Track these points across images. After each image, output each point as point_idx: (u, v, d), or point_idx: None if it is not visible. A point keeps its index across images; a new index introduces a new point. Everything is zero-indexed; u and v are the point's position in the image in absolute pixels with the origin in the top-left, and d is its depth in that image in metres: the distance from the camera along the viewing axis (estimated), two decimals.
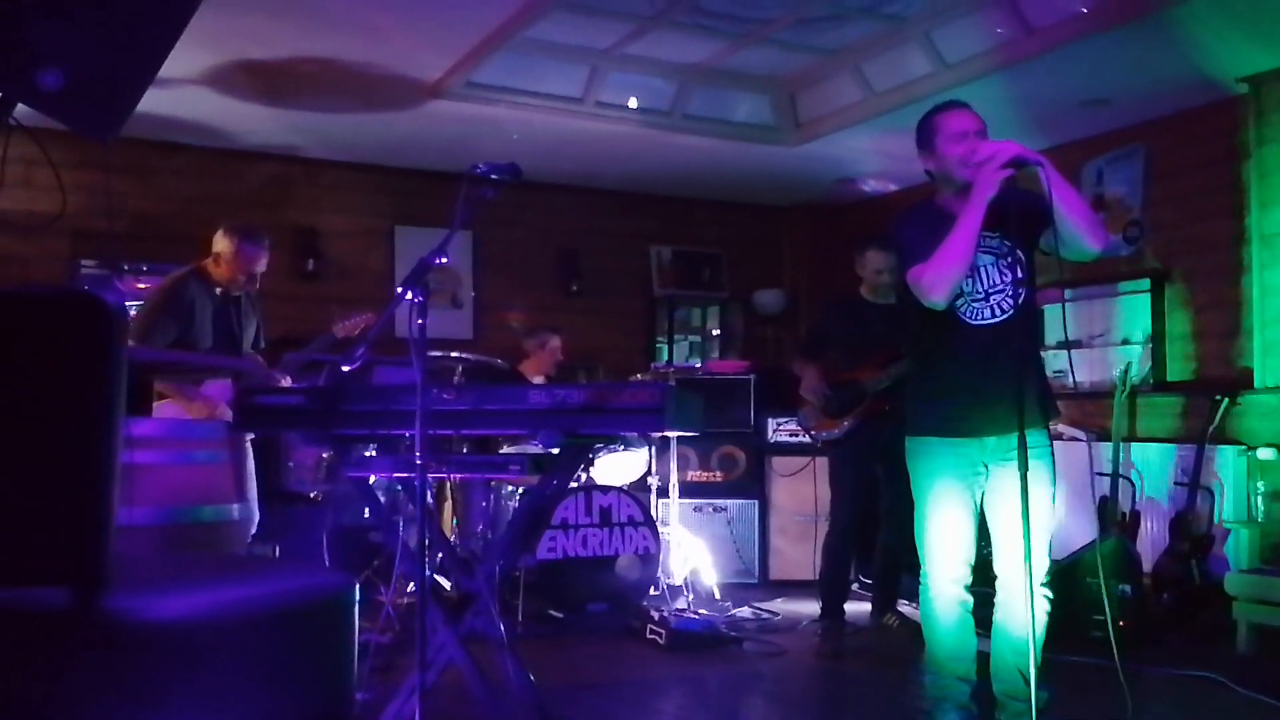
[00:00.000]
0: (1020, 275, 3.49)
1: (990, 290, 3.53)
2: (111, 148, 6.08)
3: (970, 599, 3.61)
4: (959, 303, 3.52)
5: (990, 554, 3.63)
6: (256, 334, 5.58)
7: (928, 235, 3.47)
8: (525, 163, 3.68)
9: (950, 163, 3.55)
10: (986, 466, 3.55)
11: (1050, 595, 3.55)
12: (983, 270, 3.53)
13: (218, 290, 5.34)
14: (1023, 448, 3.19)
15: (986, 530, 3.62)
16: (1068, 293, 6.81)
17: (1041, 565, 3.51)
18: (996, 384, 3.41)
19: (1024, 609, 3.40)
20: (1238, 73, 5.77)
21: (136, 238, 7.10)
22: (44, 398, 1.65)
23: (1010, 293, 3.51)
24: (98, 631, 1.66)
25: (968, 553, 3.58)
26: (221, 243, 5.30)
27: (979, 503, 3.59)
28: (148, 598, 1.76)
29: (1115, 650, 3.61)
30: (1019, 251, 3.50)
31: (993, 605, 3.62)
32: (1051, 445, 3.61)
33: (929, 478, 3.60)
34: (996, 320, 3.52)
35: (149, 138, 7.02)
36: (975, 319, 3.53)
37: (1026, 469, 3.19)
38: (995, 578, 3.59)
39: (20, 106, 2.26)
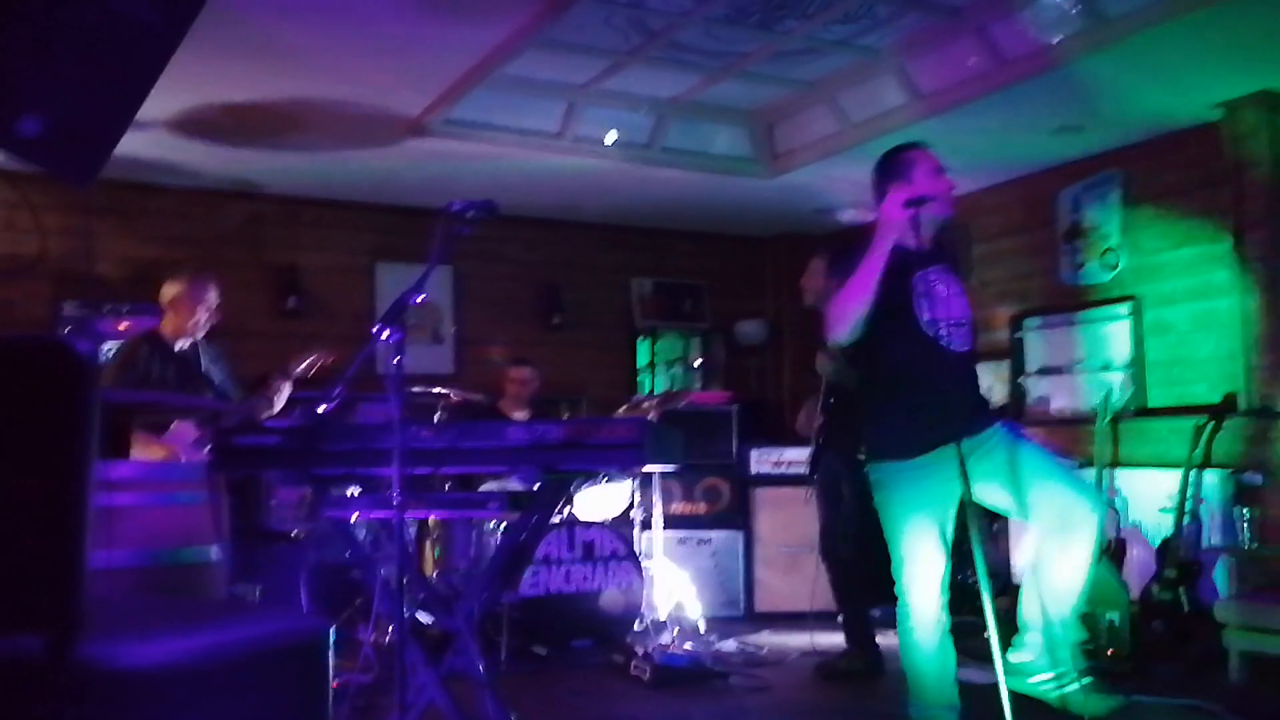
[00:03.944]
0: (970, 313, 3.76)
1: (960, 321, 3.71)
2: (92, 190, 6.11)
3: (948, 618, 3.65)
4: (941, 330, 3.64)
5: (965, 580, 3.70)
6: (227, 385, 5.56)
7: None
8: (505, 197, 3.70)
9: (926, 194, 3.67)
10: (964, 475, 3.47)
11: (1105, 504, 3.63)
12: (949, 303, 3.69)
13: (176, 347, 5.38)
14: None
15: (960, 557, 3.68)
16: (1048, 318, 6.88)
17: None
18: (960, 407, 3.56)
19: (1071, 553, 3.56)
20: (1213, 99, 5.81)
21: (118, 279, 7.09)
22: (15, 445, 1.64)
23: (970, 328, 3.75)
24: (72, 680, 1.64)
25: (945, 573, 3.65)
26: (171, 289, 5.41)
27: (952, 523, 3.68)
28: (122, 644, 1.74)
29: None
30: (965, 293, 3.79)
31: (970, 635, 3.65)
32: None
33: (901, 507, 3.66)
34: (966, 350, 3.73)
35: (129, 179, 7.00)
36: (952, 345, 3.66)
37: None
38: (974, 605, 3.64)
39: None
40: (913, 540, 3.63)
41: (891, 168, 3.79)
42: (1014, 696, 3.31)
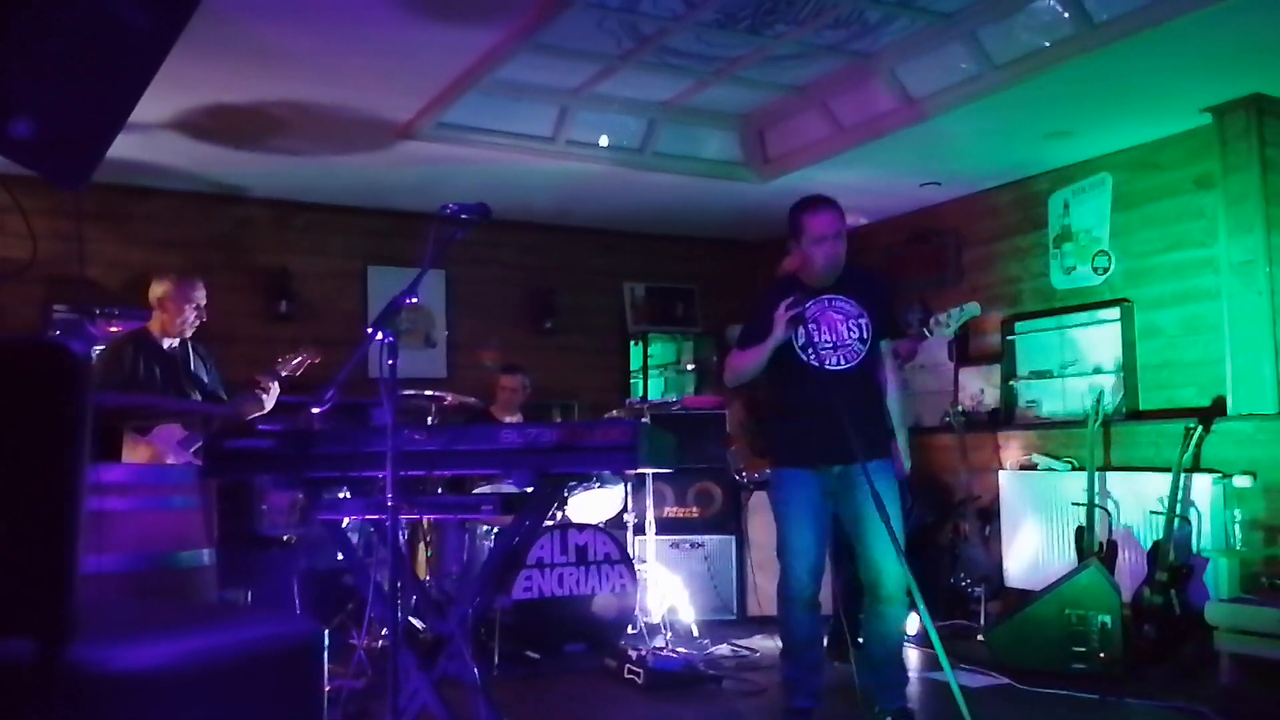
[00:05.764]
0: (864, 335, 4.31)
1: (838, 343, 4.28)
2: (82, 194, 6.09)
3: (816, 600, 4.36)
4: (809, 353, 4.25)
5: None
6: (217, 387, 5.53)
7: (764, 322, 4.27)
8: (497, 202, 3.70)
9: (811, 262, 4.31)
10: (835, 495, 4.28)
11: (907, 602, 4.23)
12: (833, 327, 4.29)
13: (166, 345, 5.33)
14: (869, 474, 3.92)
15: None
16: (1038, 322, 6.92)
17: (901, 576, 4.16)
18: (839, 421, 3.96)
19: (891, 614, 4.28)
20: (1201, 103, 5.83)
21: (109, 283, 7.07)
22: (7, 447, 1.63)
23: (855, 348, 4.30)
24: (63, 683, 1.63)
25: (817, 562, 4.32)
26: (159, 288, 5.37)
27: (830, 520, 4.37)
28: (114, 648, 1.74)
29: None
30: (865, 317, 4.32)
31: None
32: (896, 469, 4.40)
33: (792, 504, 4.33)
34: (842, 368, 4.27)
35: (121, 183, 6.99)
36: (825, 364, 4.24)
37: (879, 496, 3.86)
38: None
39: None
40: (797, 534, 4.29)
41: (792, 222, 4.39)
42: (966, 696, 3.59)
